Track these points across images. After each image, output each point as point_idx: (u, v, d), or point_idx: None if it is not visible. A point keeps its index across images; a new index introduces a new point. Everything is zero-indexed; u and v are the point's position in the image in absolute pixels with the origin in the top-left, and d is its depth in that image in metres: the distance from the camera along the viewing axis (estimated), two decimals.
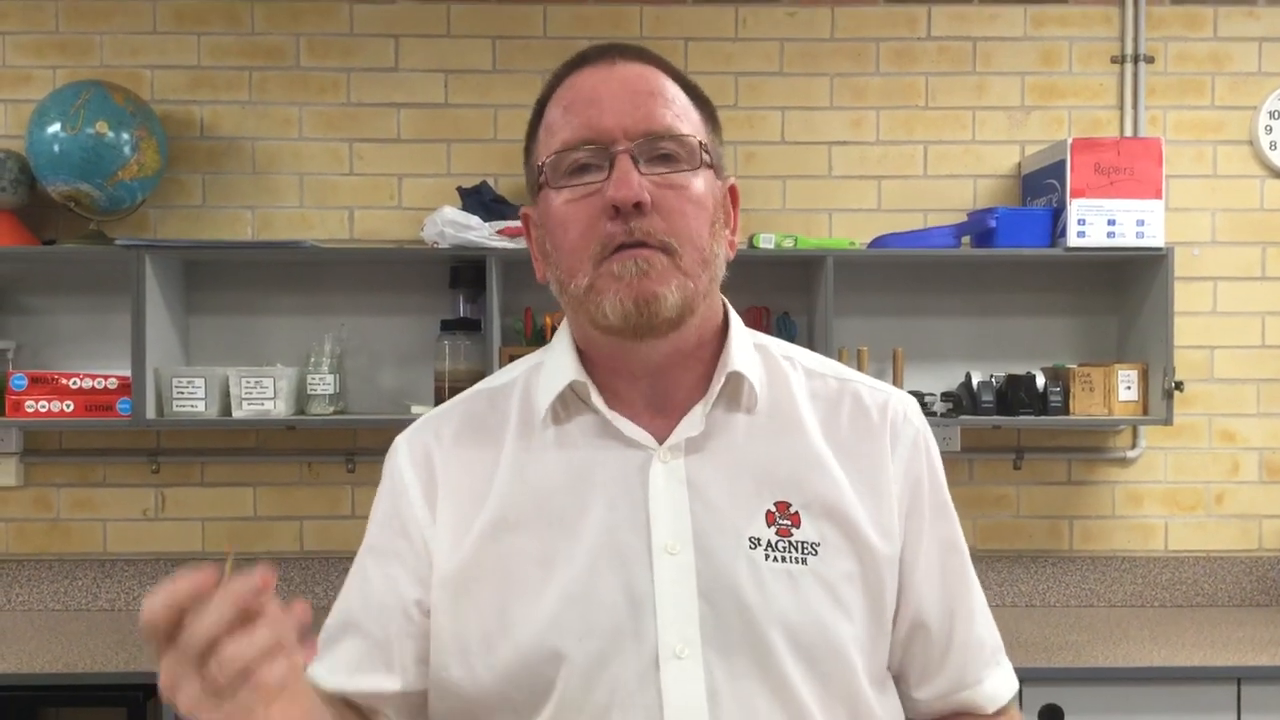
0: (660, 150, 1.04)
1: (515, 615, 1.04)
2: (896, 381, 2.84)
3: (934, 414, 2.82)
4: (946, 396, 2.88)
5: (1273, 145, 3.05)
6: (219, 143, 3.03)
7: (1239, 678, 2.48)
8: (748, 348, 1.13)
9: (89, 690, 2.45)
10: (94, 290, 2.96)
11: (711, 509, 1.06)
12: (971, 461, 3.07)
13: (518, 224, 2.74)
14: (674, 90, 1.08)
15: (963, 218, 3.00)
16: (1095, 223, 2.77)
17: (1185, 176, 3.06)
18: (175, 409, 2.74)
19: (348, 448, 3.03)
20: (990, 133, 3.08)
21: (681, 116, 1.06)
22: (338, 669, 1.11)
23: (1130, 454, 3.07)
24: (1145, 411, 2.85)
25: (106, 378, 2.78)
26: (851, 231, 3.03)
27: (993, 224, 2.82)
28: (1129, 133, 3.05)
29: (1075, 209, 2.77)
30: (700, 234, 1.05)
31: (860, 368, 2.73)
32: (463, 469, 1.12)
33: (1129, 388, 2.85)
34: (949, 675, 1.13)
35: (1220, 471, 3.09)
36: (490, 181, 2.97)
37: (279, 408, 2.76)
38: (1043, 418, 2.85)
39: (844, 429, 1.12)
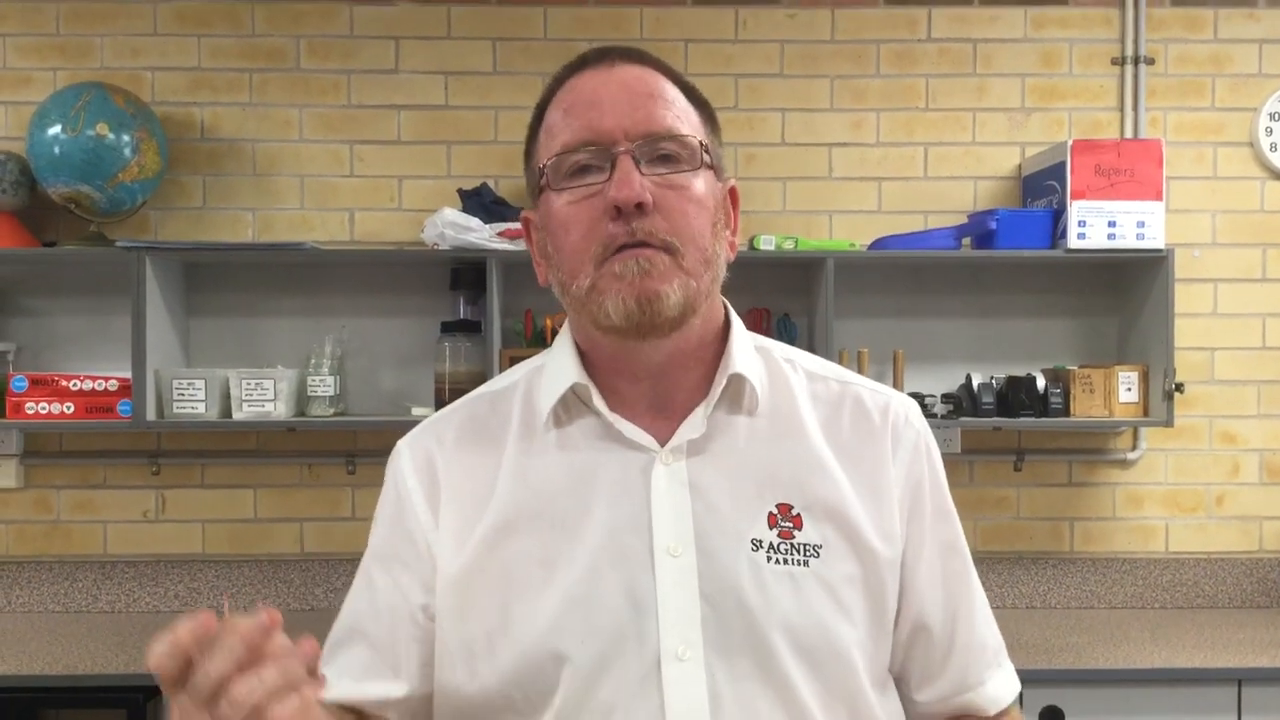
0: (661, 151, 1.04)
1: (517, 617, 1.04)
2: (897, 383, 2.84)
3: (934, 416, 2.82)
4: (947, 398, 2.88)
5: (1273, 147, 3.06)
6: (219, 144, 3.03)
7: (1239, 679, 2.48)
8: (749, 350, 1.13)
9: (89, 692, 2.45)
10: (94, 292, 2.97)
11: (713, 511, 1.06)
12: (972, 463, 3.07)
13: (518, 226, 2.73)
14: (673, 92, 1.08)
15: (963, 219, 3.00)
16: (1096, 224, 2.77)
17: (1185, 178, 3.06)
18: (175, 410, 2.75)
19: (348, 449, 3.03)
20: (991, 134, 3.08)
21: (681, 118, 1.06)
22: (344, 675, 1.11)
23: (1131, 455, 3.08)
24: (1146, 413, 2.85)
25: (107, 379, 2.78)
26: (852, 233, 3.03)
27: (993, 226, 2.82)
28: (1129, 134, 3.05)
29: (1076, 210, 2.77)
30: (702, 234, 1.05)
31: (861, 369, 2.73)
32: (465, 473, 1.12)
33: (1129, 389, 2.85)
34: (951, 677, 1.13)
35: (1221, 473, 3.09)
36: (491, 183, 2.97)
37: (279, 409, 2.76)
38: (1043, 419, 2.85)
39: (845, 432, 1.12)
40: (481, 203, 2.89)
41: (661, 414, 1.10)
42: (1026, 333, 3.05)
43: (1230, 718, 2.48)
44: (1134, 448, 3.08)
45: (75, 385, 2.77)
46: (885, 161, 3.07)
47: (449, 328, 2.85)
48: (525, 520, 1.07)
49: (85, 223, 2.88)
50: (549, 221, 1.07)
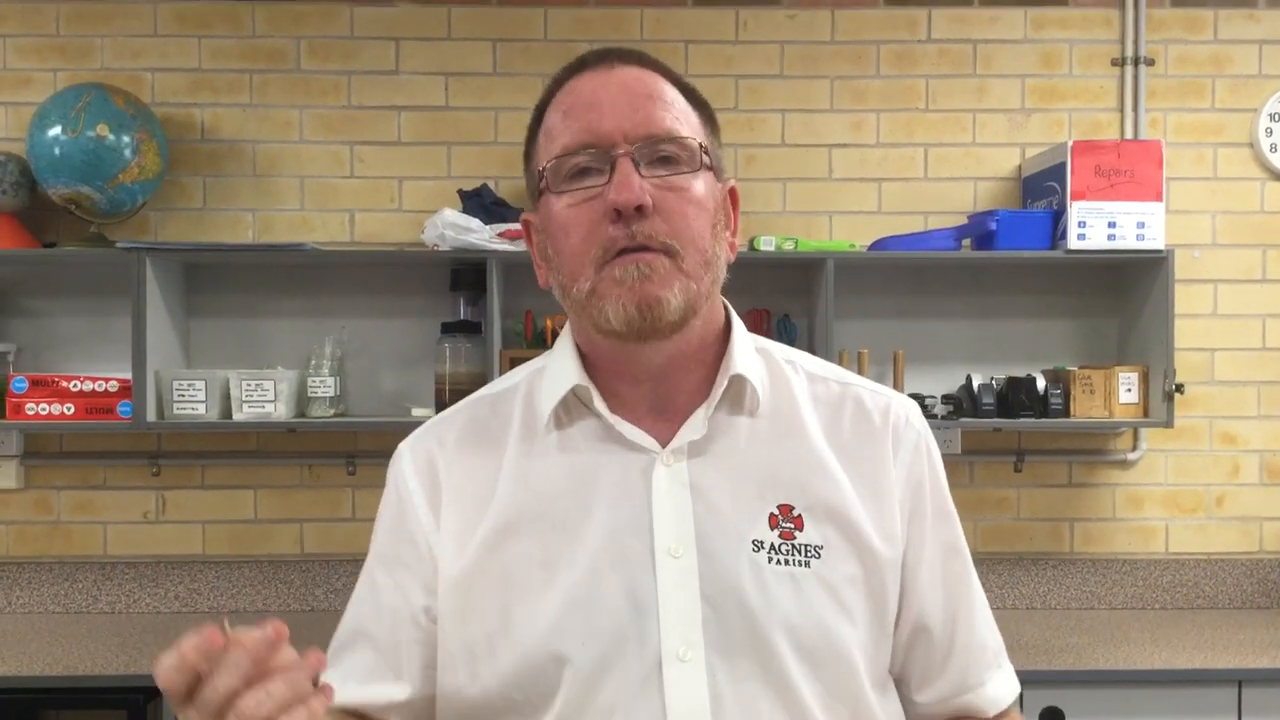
0: (660, 153, 1.04)
1: (518, 619, 1.04)
2: (897, 384, 2.84)
3: (934, 416, 2.82)
4: (947, 399, 2.88)
5: (1273, 148, 3.06)
6: (220, 145, 3.03)
7: (1240, 680, 2.48)
8: (750, 351, 1.14)
9: (89, 693, 2.45)
10: (94, 293, 2.97)
11: (714, 512, 1.06)
12: (972, 464, 3.07)
13: (518, 227, 2.73)
14: (673, 93, 1.08)
15: (963, 220, 3.00)
16: (1096, 225, 2.77)
17: (1185, 179, 3.06)
18: (176, 411, 2.75)
19: (348, 450, 3.03)
20: (991, 135, 3.08)
21: (681, 119, 1.06)
22: (349, 679, 1.12)
23: (1131, 456, 3.07)
24: (1146, 414, 2.85)
25: (107, 380, 2.78)
26: (852, 234, 3.03)
27: (993, 226, 2.82)
28: (1129, 135, 3.05)
29: (1076, 211, 2.77)
30: (702, 235, 1.05)
31: (861, 370, 2.73)
32: (466, 474, 1.12)
33: (1129, 390, 2.85)
34: (951, 678, 1.14)
35: (1221, 474, 3.09)
36: (491, 184, 2.97)
37: (279, 410, 2.76)
38: (1043, 420, 2.85)
39: (846, 433, 1.12)
40: (482, 204, 2.89)
41: (662, 416, 1.10)
42: (1027, 333, 3.05)
43: (1230, 718, 2.48)
44: (1134, 448, 3.08)
45: (75, 386, 2.77)
46: (885, 162, 3.07)
47: (449, 328, 2.85)
48: (526, 522, 1.07)
49: (85, 224, 2.88)
50: (549, 224, 1.07)
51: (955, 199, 3.07)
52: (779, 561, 1.04)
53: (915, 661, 1.13)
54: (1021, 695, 1.22)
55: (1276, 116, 3.06)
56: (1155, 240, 2.78)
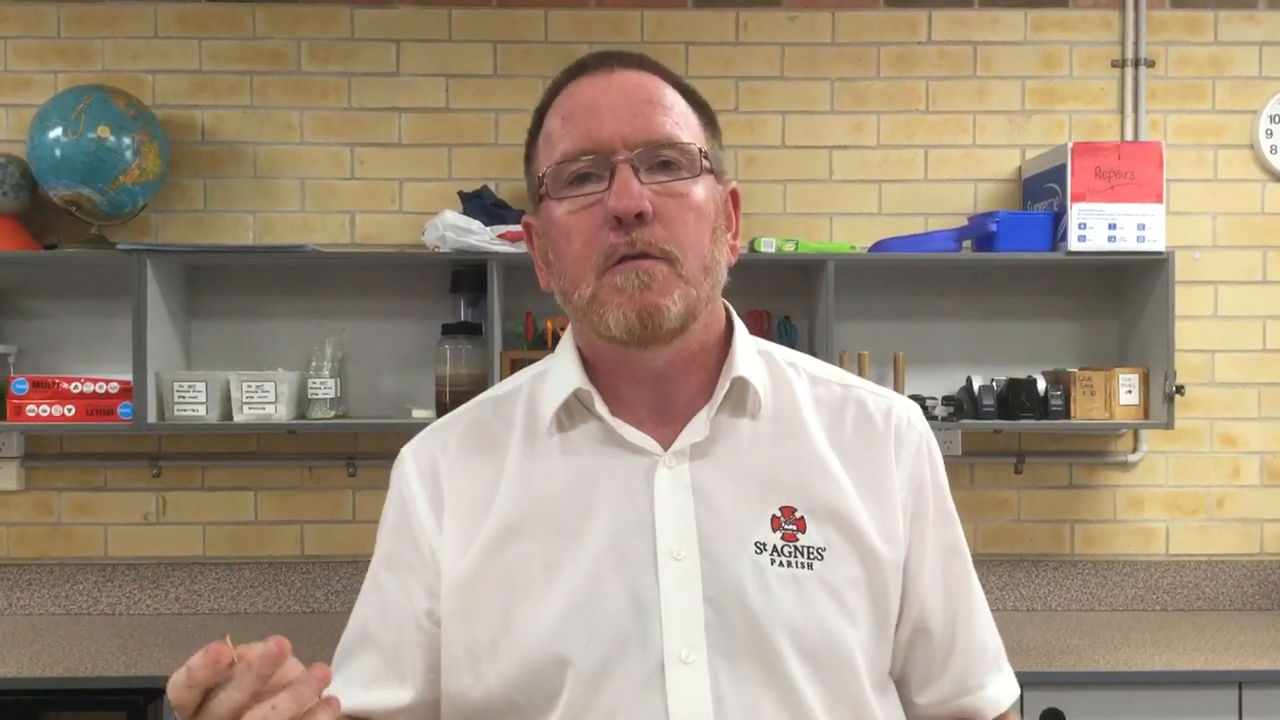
0: (660, 158, 1.04)
1: (520, 622, 1.05)
2: (898, 385, 2.84)
3: (935, 418, 2.82)
4: (947, 400, 2.88)
5: (1273, 149, 3.06)
6: (220, 147, 3.03)
7: (1240, 682, 2.48)
8: (752, 353, 1.14)
9: (90, 694, 2.45)
10: (95, 294, 2.97)
11: (717, 514, 1.06)
12: (972, 465, 3.07)
13: (519, 228, 2.74)
14: (673, 97, 1.08)
15: (963, 222, 3.00)
16: (1096, 227, 2.77)
17: (1186, 180, 3.06)
18: (176, 413, 2.75)
19: (349, 452, 3.03)
20: (991, 137, 3.08)
21: (681, 124, 1.06)
22: (354, 683, 1.13)
23: (1131, 458, 3.07)
24: (1146, 415, 2.85)
25: (108, 382, 2.78)
26: (852, 235, 3.03)
27: (993, 228, 2.82)
28: (1129, 137, 3.05)
29: (1076, 213, 2.77)
30: (701, 241, 1.05)
31: (861, 372, 2.73)
32: (468, 478, 1.12)
33: (1130, 391, 2.85)
34: (951, 680, 1.14)
35: (1221, 475, 3.09)
36: (491, 186, 2.97)
37: (280, 412, 2.76)
38: (1044, 421, 2.85)
39: (848, 435, 1.12)
40: (482, 205, 2.89)
41: (664, 418, 1.10)
42: (1027, 335, 3.05)
43: None
44: (1134, 450, 3.08)
45: (76, 388, 2.77)
46: (886, 164, 3.07)
47: (450, 330, 2.85)
48: (528, 525, 1.08)
49: (86, 225, 2.88)
50: (550, 230, 1.08)
51: (955, 200, 3.07)
52: (781, 564, 1.04)
53: (915, 663, 1.13)
54: (1022, 696, 1.22)
55: (1277, 118, 3.06)
56: (1156, 242, 2.78)
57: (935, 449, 1.16)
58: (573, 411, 1.11)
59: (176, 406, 2.74)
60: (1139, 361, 2.90)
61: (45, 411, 2.76)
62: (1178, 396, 2.79)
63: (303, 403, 2.86)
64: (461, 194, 2.94)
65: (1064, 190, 2.78)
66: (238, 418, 2.76)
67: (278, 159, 3.04)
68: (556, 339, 2.71)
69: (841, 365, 1.29)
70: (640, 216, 1.01)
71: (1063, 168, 2.79)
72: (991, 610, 1.19)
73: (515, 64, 3.04)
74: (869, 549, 1.07)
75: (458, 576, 1.09)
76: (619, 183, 1.01)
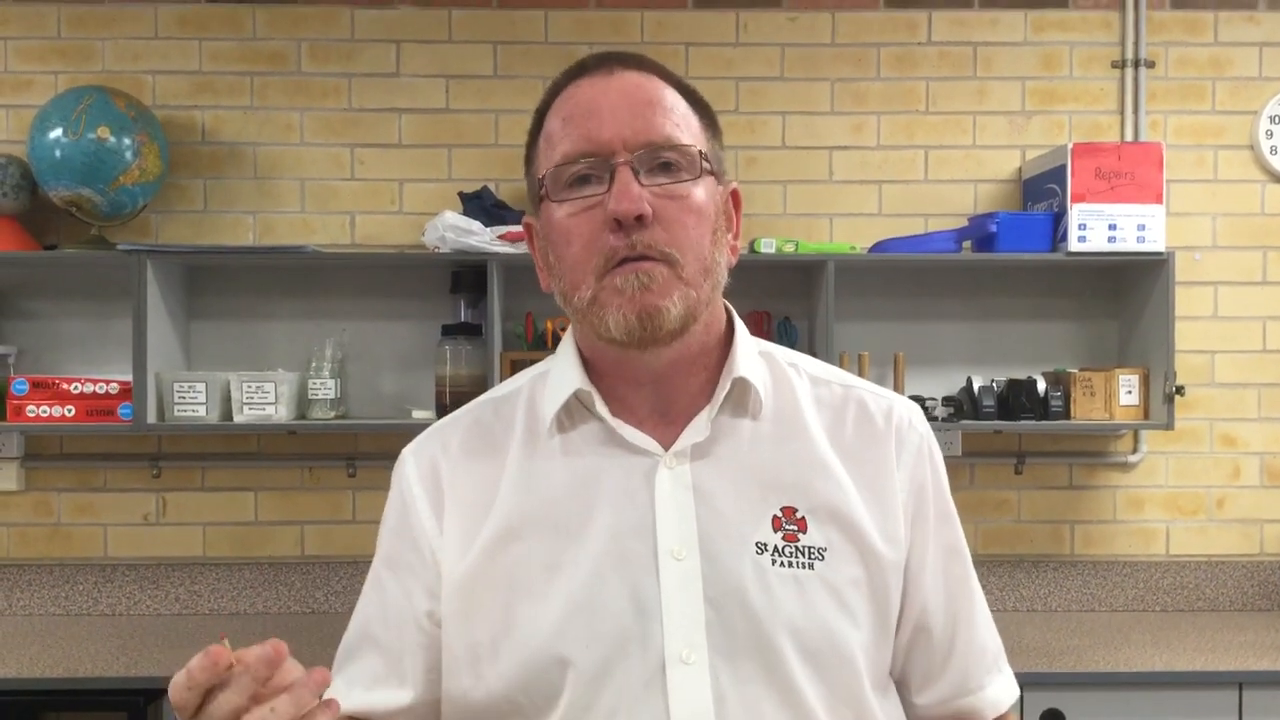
0: (660, 159, 1.04)
1: (521, 622, 1.05)
2: (898, 386, 2.84)
3: (935, 419, 2.82)
4: (948, 401, 2.88)
5: (1273, 150, 3.06)
6: (220, 148, 3.03)
7: (1240, 682, 2.48)
8: (752, 354, 1.14)
9: (90, 695, 2.45)
10: (95, 295, 2.97)
11: (718, 514, 1.06)
12: (973, 466, 3.07)
13: (519, 229, 2.75)
14: (673, 98, 1.08)
15: (964, 222, 3.00)
16: (1096, 227, 2.77)
17: (1186, 181, 3.07)
18: (176, 414, 2.75)
19: (349, 452, 3.03)
20: (991, 137, 3.08)
21: (681, 125, 1.06)
22: (355, 684, 1.13)
23: (1131, 459, 3.07)
24: (1146, 416, 2.86)
25: (108, 382, 2.78)
26: (852, 236, 3.03)
27: (994, 229, 2.82)
28: (1130, 137, 3.05)
29: (1076, 214, 2.77)
30: (702, 243, 1.05)
31: (861, 372, 2.73)
32: (469, 479, 1.12)
33: (1130, 392, 2.85)
34: (950, 680, 1.14)
35: (1221, 476, 3.09)
36: (491, 186, 2.97)
37: (280, 412, 2.76)
38: (1044, 422, 2.85)
39: (849, 435, 1.12)
40: (482, 206, 2.89)
41: (665, 419, 1.10)
42: (1027, 336, 3.05)
43: None
44: (1135, 450, 3.08)
45: (76, 388, 2.77)
46: (886, 165, 3.07)
47: (450, 331, 2.85)
48: (529, 525, 1.08)
49: (86, 226, 2.88)
50: (550, 232, 1.08)
51: (956, 201, 3.07)
52: (782, 564, 1.04)
53: (915, 663, 1.13)
54: (1022, 697, 1.22)
55: (1277, 119, 3.06)
56: (1156, 242, 2.78)
57: (936, 450, 1.16)
58: (573, 412, 1.11)
59: (176, 407, 2.74)
60: (1139, 362, 2.90)
61: (45, 412, 2.76)
62: (1178, 397, 2.80)
63: (303, 403, 2.86)
64: (462, 195, 2.94)
65: (1064, 191, 2.79)
66: (238, 418, 2.76)
67: (278, 160, 3.04)
68: (557, 340, 2.71)
69: (841, 366, 1.29)
70: (640, 219, 1.01)
71: (1063, 168, 2.79)
72: (991, 611, 1.19)
73: (515, 65, 3.04)
74: (870, 549, 1.07)
75: (458, 577, 1.09)
76: (619, 185, 1.02)
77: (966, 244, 2.92)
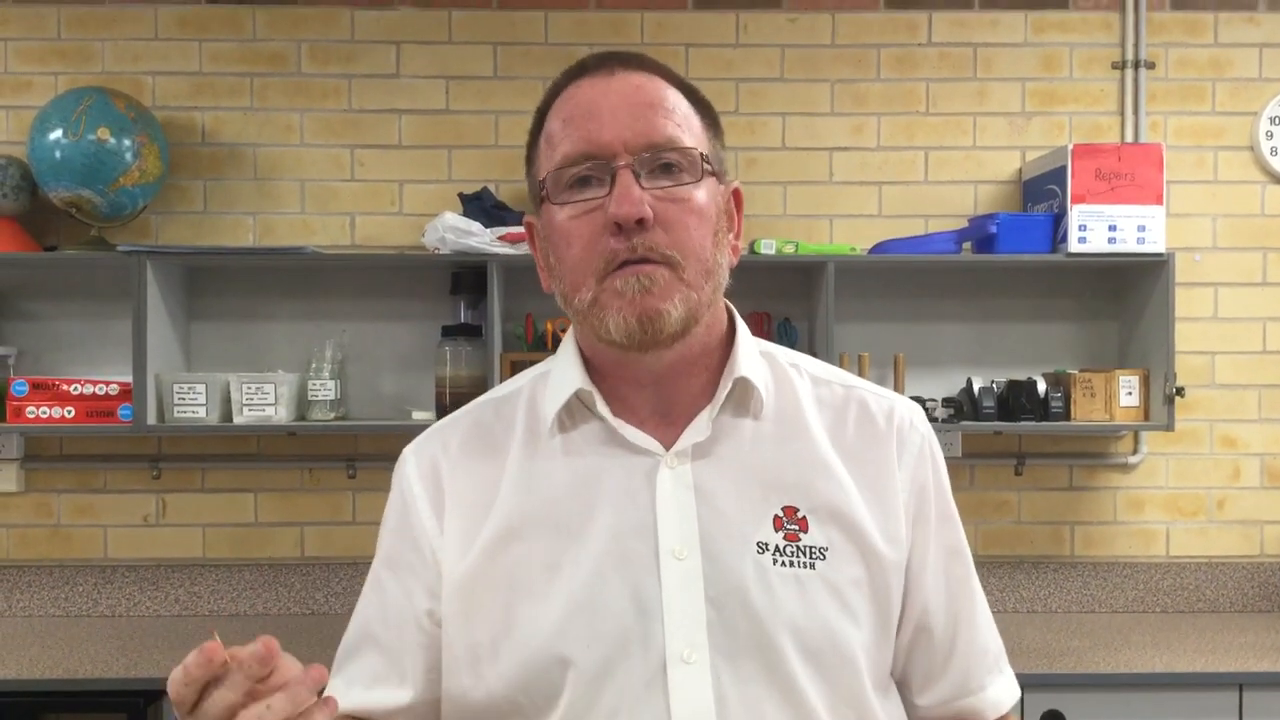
0: (662, 161, 1.04)
1: (522, 622, 1.05)
2: (898, 387, 2.84)
3: (935, 420, 2.82)
4: (948, 402, 2.88)
5: (1273, 151, 3.06)
6: (220, 149, 3.03)
7: (1241, 684, 2.48)
8: (754, 354, 1.14)
9: (90, 696, 2.45)
10: (95, 296, 2.97)
11: (719, 514, 1.06)
12: (973, 467, 3.07)
13: (519, 230, 2.75)
14: (675, 98, 1.07)
15: (964, 223, 3.00)
16: (1096, 228, 2.77)
17: (1186, 182, 3.07)
18: (176, 415, 2.75)
19: (349, 454, 3.03)
20: (991, 138, 3.08)
21: (683, 126, 1.06)
22: (354, 684, 1.13)
23: (1132, 459, 3.07)
24: (1146, 417, 2.85)
25: (108, 384, 2.78)
26: (852, 237, 3.03)
27: (994, 230, 2.82)
28: (1130, 138, 3.05)
29: (1076, 215, 2.77)
30: (703, 245, 1.05)
31: (861, 373, 2.73)
32: (469, 479, 1.12)
33: (1130, 393, 2.85)
34: (952, 681, 1.14)
35: (1222, 477, 3.09)
36: (491, 187, 2.97)
37: (280, 414, 2.76)
38: (1044, 423, 2.84)
39: (850, 436, 1.12)
40: (482, 207, 2.89)
41: (666, 419, 1.10)
42: (1027, 337, 3.05)
43: None
44: (1135, 452, 3.08)
45: (76, 389, 2.77)
46: (886, 166, 3.07)
47: (450, 332, 2.85)
48: (529, 525, 1.08)
49: (86, 227, 2.88)
50: (551, 234, 1.08)
51: (956, 202, 3.07)
52: (784, 563, 1.04)
53: (916, 664, 1.13)
54: (1022, 698, 1.22)
55: (1277, 120, 3.06)
56: (1156, 243, 2.78)
57: (937, 450, 1.16)
58: (574, 412, 1.11)
59: (176, 408, 2.74)
60: (1139, 363, 2.90)
61: (45, 413, 2.75)
62: (1178, 398, 2.79)
63: (303, 404, 2.86)
64: (461, 196, 2.94)
65: (1064, 192, 2.79)
66: (238, 419, 2.76)
67: (278, 161, 3.04)
68: (557, 341, 2.71)
69: (842, 367, 1.29)
70: (641, 222, 1.01)
71: (1063, 169, 2.79)
72: (992, 612, 1.19)
73: (515, 66, 3.04)
74: (871, 549, 1.07)
75: (458, 577, 1.09)
76: (620, 189, 1.01)
77: (967, 245, 2.92)
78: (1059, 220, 2.82)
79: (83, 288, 2.97)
